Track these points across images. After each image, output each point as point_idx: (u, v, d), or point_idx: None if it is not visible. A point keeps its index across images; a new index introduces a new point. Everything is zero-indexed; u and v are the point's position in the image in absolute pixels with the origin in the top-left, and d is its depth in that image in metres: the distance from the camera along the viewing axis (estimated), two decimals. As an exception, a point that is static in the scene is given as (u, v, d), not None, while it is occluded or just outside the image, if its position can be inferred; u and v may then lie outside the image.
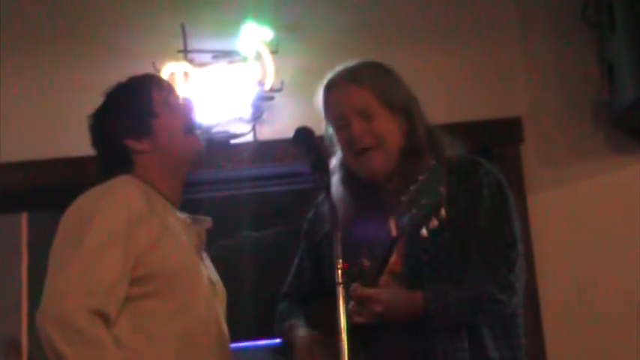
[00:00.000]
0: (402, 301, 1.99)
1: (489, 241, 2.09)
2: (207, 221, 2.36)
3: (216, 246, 4.50)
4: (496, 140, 3.34)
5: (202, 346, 2.16)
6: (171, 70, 3.35)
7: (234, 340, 4.32)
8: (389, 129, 2.19)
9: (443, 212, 1.80)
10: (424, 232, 1.83)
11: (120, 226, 2.08)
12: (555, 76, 3.43)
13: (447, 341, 2.06)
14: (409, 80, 2.29)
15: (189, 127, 2.31)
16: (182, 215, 2.30)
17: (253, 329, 4.02)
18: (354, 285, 1.96)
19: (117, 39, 3.45)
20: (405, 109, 2.22)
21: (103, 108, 2.32)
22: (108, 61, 3.39)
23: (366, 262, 2.01)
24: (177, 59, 3.37)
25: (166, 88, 2.37)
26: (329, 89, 2.26)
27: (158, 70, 3.32)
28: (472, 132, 3.16)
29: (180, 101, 2.37)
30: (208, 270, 2.32)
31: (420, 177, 1.86)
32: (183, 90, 3.33)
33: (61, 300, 1.99)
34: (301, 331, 2.20)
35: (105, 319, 2.01)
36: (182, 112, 2.34)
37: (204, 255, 2.35)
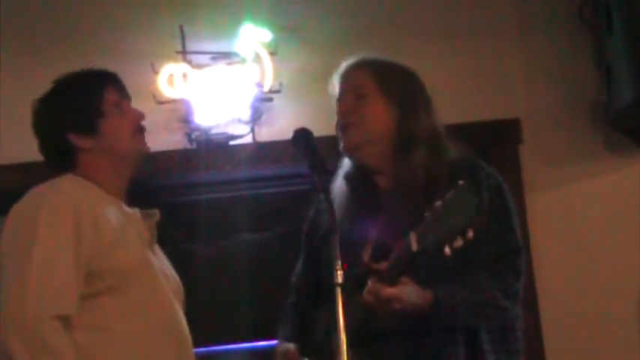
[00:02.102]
0: (413, 297, 1.98)
1: (494, 247, 2.09)
2: (156, 214, 2.32)
3: (214, 247, 4.51)
4: (495, 141, 3.35)
5: (161, 342, 2.14)
6: (169, 72, 3.35)
7: (233, 341, 4.33)
8: (378, 113, 2.21)
9: (470, 234, 1.81)
10: (448, 251, 1.83)
11: (68, 226, 2.06)
12: (553, 77, 3.43)
13: (444, 346, 2.06)
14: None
15: (137, 130, 2.28)
16: (131, 210, 2.27)
17: (251, 331, 4.02)
18: (374, 285, 1.96)
19: (115, 40, 3.44)
20: (404, 101, 2.23)
21: (50, 95, 2.29)
22: (107, 63, 3.32)
23: (365, 261, 2.01)
24: (175, 60, 3.37)
25: (121, 90, 2.31)
26: (339, 74, 2.31)
27: (156, 72, 3.32)
28: (471, 133, 3.16)
29: (129, 104, 2.32)
30: (162, 264, 2.30)
31: (448, 195, 1.85)
32: (181, 91, 3.34)
33: (21, 307, 1.97)
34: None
35: (66, 323, 2.00)
36: (132, 116, 2.29)
37: (157, 249, 2.32)
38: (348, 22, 3.45)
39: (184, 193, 3.52)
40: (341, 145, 2.25)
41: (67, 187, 2.16)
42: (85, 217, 2.09)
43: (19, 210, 2.14)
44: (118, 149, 2.24)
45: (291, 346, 2.22)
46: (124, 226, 2.18)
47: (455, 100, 3.30)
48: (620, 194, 3.34)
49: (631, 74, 3.06)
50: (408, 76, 2.29)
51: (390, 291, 1.95)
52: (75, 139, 2.22)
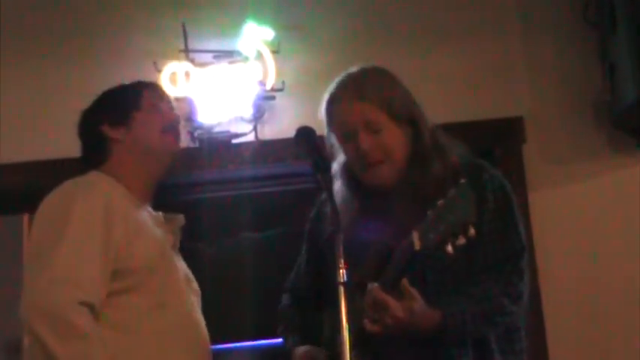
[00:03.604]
0: (418, 318, 1.95)
1: (498, 248, 2.08)
2: (181, 219, 2.37)
3: (218, 246, 4.51)
4: (498, 140, 3.36)
5: (180, 341, 2.16)
6: (172, 70, 3.36)
7: (236, 340, 4.32)
8: (396, 140, 2.18)
9: (472, 231, 1.80)
10: (449, 248, 1.82)
11: (98, 221, 2.09)
12: (557, 76, 3.44)
13: (452, 349, 2.05)
14: (412, 81, 2.28)
15: (169, 128, 2.32)
16: (156, 213, 2.32)
17: (254, 329, 4.02)
18: (373, 285, 1.94)
19: (119, 39, 3.46)
20: (411, 117, 2.21)
21: (97, 97, 2.37)
22: (110, 61, 3.39)
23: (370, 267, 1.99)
24: (178, 59, 3.38)
25: (160, 94, 2.39)
26: (333, 102, 2.23)
27: (159, 70, 3.32)
28: (475, 132, 3.18)
29: (169, 108, 2.37)
30: (183, 266, 2.34)
31: (449, 193, 1.84)
32: (184, 90, 3.33)
33: (48, 293, 2.00)
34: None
35: (92, 310, 2.03)
36: (166, 115, 2.34)
37: (178, 252, 2.36)
38: (351, 20, 3.46)
39: (187, 191, 3.53)
40: (368, 180, 2.20)
41: (98, 184, 2.20)
42: (114, 216, 2.12)
43: (50, 203, 2.17)
44: (147, 143, 2.28)
45: (310, 348, 2.18)
46: (150, 228, 2.22)
47: (459, 99, 3.33)
48: (623, 193, 3.34)
49: (635, 73, 3.07)
50: (399, 87, 2.24)
51: (385, 297, 1.93)
52: (107, 130, 2.28)
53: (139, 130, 2.28)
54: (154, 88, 2.40)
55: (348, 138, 2.20)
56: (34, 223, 2.17)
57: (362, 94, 2.19)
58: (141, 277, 2.12)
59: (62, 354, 1.95)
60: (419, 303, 1.94)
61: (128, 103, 2.31)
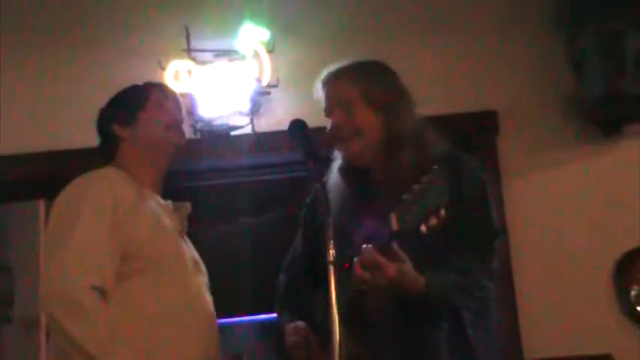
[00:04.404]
0: (407, 278, 1.94)
1: (475, 231, 2.08)
2: (188, 207, 2.38)
3: (217, 229, 4.52)
4: (475, 131, 3.34)
5: (186, 319, 2.16)
6: (175, 68, 3.36)
7: (234, 314, 4.34)
8: (367, 121, 2.18)
9: (443, 212, 1.79)
10: (423, 228, 1.80)
11: (107, 211, 2.11)
12: (529, 73, 3.42)
13: (430, 321, 2.05)
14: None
15: (172, 125, 2.33)
16: (164, 202, 2.32)
17: (252, 305, 4.04)
18: (368, 246, 1.91)
19: (125, 39, 3.46)
20: (387, 104, 2.20)
21: (109, 100, 2.40)
22: (117, 59, 3.40)
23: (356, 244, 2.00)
24: (181, 57, 3.39)
25: (166, 94, 2.40)
26: (322, 85, 2.26)
27: (163, 68, 3.32)
28: (454, 123, 3.17)
29: (175, 106, 2.39)
30: (191, 251, 2.34)
31: (424, 178, 1.82)
32: (186, 86, 3.34)
33: (62, 278, 2.02)
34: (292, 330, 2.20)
35: (102, 293, 2.04)
36: (170, 113, 2.35)
37: (187, 238, 2.36)
38: (339, 21, 3.46)
39: (189, 179, 3.53)
40: (341, 154, 2.23)
41: (108, 177, 2.21)
42: (122, 206, 2.13)
43: (64, 197, 2.18)
44: (151, 139, 2.30)
45: (300, 322, 2.17)
46: (158, 216, 2.22)
47: (441, 94, 3.32)
48: (590, 180, 3.35)
49: (601, 71, 3.11)
50: (387, 77, 2.26)
51: (380, 257, 1.90)
52: (117, 129, 2.31)
53: (144, 129, 2.30)
54: (160, 88, 2.42)
55: (328, 114, 2.23)
56: (51, 214, 2.18)
57: (343, 73, 2.22)
58: (148, 260, 2.13)
59: (73, 333, 1.98)
60: (408, 265, 1.93)
61: (135, 104, 2.33)
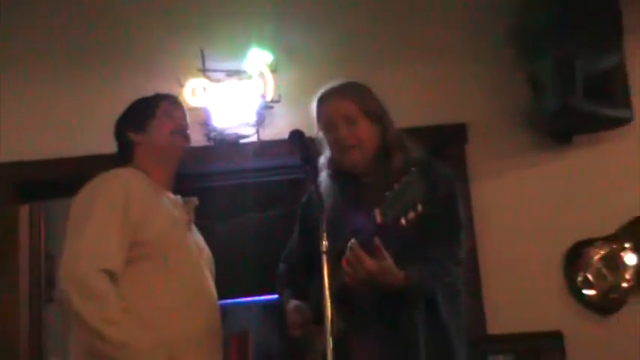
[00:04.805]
0: (387, 273, 1.95)
1: (444, 225, 2.11)
2: (195, 201, 2.38)
3: (228, 223, 4.53)
4: (446, 141, 3.32)
5: (190, 298, 2.17)
6: (192, 85, 3.34)
7: (241, 295, 4.34)
8: (367, 132, 2.21)
9: (420, 208, 1.82)
10: (403, 221, 1.84)
11: (118, 204, 2.11)
12: (494, 91, 3.40)
13: (409, 306, 2.06)
14: (381, 92, 2.31)
15: (177, 131, 2.34)
16: (174, 197, 2.33)
17: (256, 287, 4.04)
18: (354, 242, 1.94)
19: (149, 60, 3.42)
20: (380, 118, 2.24)
21: (124, 110, 2.42)
22: (142, 77, 3.38)
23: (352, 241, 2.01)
24: (197, 76, 3.36)
25: (174, 104, 2.40)
26: (321, 102, 2.27)
27: (182, 85, 3.33)
28: (429, 134, 3.15)
29: (181, 115, 2.39)
30: (197, 240, 2.34)
31: (403, 179, 1.86)
32: (202, 101, 3.35)
33: (75, 262, 2.03)
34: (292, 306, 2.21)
35: (111, 276, 2.03)
36: (177, 120, 2.35)
37: (194, 228, 2.36)
38: (333, 47, 3.43)
39: (203, 180, 3.53)
40: (343, 162, 2.23)
41: (123, 174, 2.22)
42: (133, 199, 2.14)
43: (83, 192, 2.19)
44: (159, 143, 2.31)
45: (300, 303, 2.19)
46: (167, 208, 2.23)
47: (416, 108, 3.31)
48: (545, 183, 3.33)
49: (554, 89, 3.10)
50: (374, 96, 2.28)
51: (362, 254, 1.92)
52: (132, 135, 2.33)
53: (154, 134, 2.31)
54: (169, 99, 2.41)
55: (330, 129, 2.24)
56: (71, 207, 2.17)
57: (343, 93, 2.24)
58: (155, 245, 2.13)
59: (83, 311, 1.97)
60: (388, 262, 1.94)
61: (146, 113, 2.34)
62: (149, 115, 2.33)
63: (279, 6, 3.47)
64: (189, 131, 2.41)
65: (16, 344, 3.15)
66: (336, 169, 2.27)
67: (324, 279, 1.79)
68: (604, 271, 3.22)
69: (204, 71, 3.38)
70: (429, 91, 3.41)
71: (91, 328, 1.96)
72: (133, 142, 2.33)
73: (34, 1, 3.47)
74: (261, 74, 3.36)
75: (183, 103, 3.24)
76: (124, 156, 2.34)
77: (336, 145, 2.24)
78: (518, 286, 3.23)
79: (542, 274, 3.26)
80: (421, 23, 3.46)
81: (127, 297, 2.05)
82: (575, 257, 3.25)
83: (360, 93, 2.26)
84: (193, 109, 3.33)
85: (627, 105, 3.16)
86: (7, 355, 3.12)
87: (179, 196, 2.35)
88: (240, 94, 3.36)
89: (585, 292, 3.23)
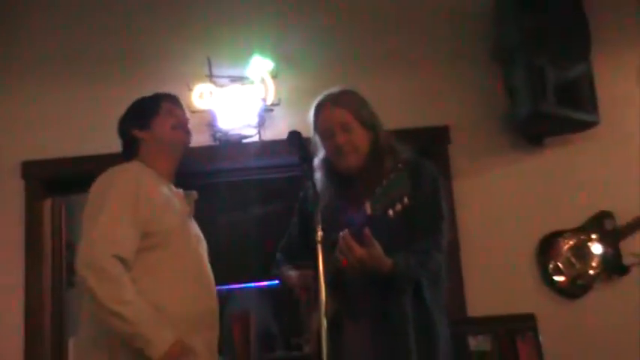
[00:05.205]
0: (376, 260, 1.96)
1: (428, 216, 2.12)
2: (195, 194, 2.36)
3: (231, 216, 4.54)
4: (431, 142, 3.34)
5: (191, 280, 2.19)
6: (200, 90, 3.36)
7: (243, 281, 4.34)
8: (362, 139, 2.21)
9: (406, 201, 1.83)
10: (391, 212, 1.85)
11: (130, 195, 2.11)
12: (474, 96, 3.41)
13: (396, 290, 2.06)
14: (372, 97, 2.31)
15: (178, 126, 2.32)
16: (176, 189, 2.32)
17: (257, 274, 4.04)
18: (345, 232, 1.94)
19: (160, 66, 3.44)
20: (372, 124, 2.24)
21: (127, 109, 2.40)
22: (153, 82, 3.37)
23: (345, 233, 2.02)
24: (204, 82, 3.38)
25: (175, 103, 2.38)
26: (318, 110, 2.26)
27: (190, 89, 3.35)
28: (415, 135, 3.13)
29: (181, 112, 2.38)
30: (196, 230, 2.34)
31: (391, 175, 1.87)
32: (208, 104, 3.36)
33: (91, 248, 2.03)
34: (292, 272, 2.24)
35: (123, 262, 2.04)
36: (177, 117, 2.34)
37: (193, 219, 2.35)
38: (328, 56, 3.44)
39: (210, 177, 3.54)
40: (340, 166, 2.22)
41: (133, 168, 2.22)
42: (143, 191, 2.14)
43: (97, 184, 2.19)
44: (162, 139, 2.30)
45: (301, 270, 2.16)
46: (170, 200, 2.23)
47: (404, 112, 3.32)
48: (519, 180, 3.36)
49: (528, 96, 3.12)
50: (367, 104, 2.27)
51: (352, 242, 1.93)
52: (136, 132, 2.31)
53: (155, 131, 2.29)
54: (170, 98, 2.38)
55: (327, 136, 2.23)
56: (88, 197, 2.17)
57: (339, 103, 2.22)
58: (163, 236, 2.14)
59: (99, 292, 1.98)
60: (377, 250, 1.95)
61: (149, 111, 2.32)
62: (153, 113, 2.31)
63: (279, 18, 3.50)
64: (190, 127, 2.39)
65: (41, 324, 3.22)
66: (331, 169, 2.27)
67: (318, 265, 1.80)
68: (573, 259, 3.25)
69: (210, 77, 3.40)
70: (417, 97, 3.43)
71: (107, 309, 1.97)
72: (137, 138, 2.30)
73: (54, 15, 3.52)
74: (263, 80, 3.38)
75: (192, 106, 3.29)
76: (129, 152, 2.32)
77: (333, 150, 2.23)
78: (495, 273, 3.26)
79: (518, 263, 3.29)
80: (410, 37, 3.48)
81: (138, 281, 2.06)
82: (547, 247, 3.28)
83: (354, 102, 2.24)
84: (200, 112, 3.36)
85: (594, 110, 3.20)
86: (33, 332, 3.18)
87: (181, 189, 2.34)
88: (243, 98, 3.37)
89: (556, 278, 3.26)
